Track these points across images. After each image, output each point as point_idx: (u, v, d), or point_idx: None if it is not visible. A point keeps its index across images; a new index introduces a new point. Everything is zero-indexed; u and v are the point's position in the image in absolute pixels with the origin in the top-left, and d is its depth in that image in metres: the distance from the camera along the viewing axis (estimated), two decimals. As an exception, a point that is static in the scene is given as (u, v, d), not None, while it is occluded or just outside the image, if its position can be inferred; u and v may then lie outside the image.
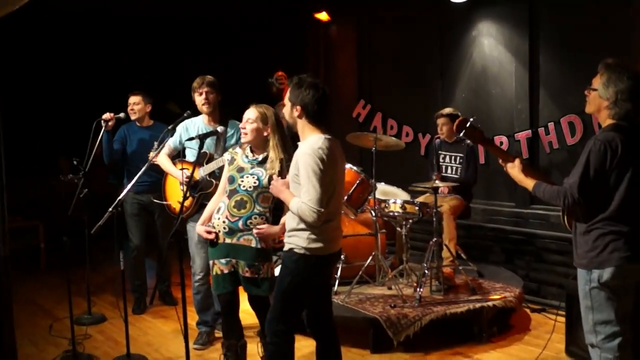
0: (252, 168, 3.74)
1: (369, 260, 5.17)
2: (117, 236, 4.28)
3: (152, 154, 5.32)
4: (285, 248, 3.36)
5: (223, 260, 3.74)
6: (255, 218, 3.69)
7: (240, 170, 3.76)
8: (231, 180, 3.77)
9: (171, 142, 4.75)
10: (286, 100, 3.39)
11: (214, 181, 4.44)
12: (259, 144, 3.77)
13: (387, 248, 6.03)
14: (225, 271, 3.73)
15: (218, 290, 3.80)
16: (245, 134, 3.76)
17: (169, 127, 4.62)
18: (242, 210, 3.69)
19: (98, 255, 7.40)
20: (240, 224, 3.69)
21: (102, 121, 5.38)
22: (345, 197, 5.18)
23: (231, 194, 3.75)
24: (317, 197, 3.13)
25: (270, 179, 3.66)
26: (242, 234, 3.69)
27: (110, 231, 4.19)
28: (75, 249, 4.77)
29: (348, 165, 5.31)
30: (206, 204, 4.70)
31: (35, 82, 8.38)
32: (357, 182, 5.24)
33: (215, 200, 3.89)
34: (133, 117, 5.68)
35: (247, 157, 3.80)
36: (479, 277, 5.58)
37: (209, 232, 3.78)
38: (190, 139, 3.98)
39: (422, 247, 6.40)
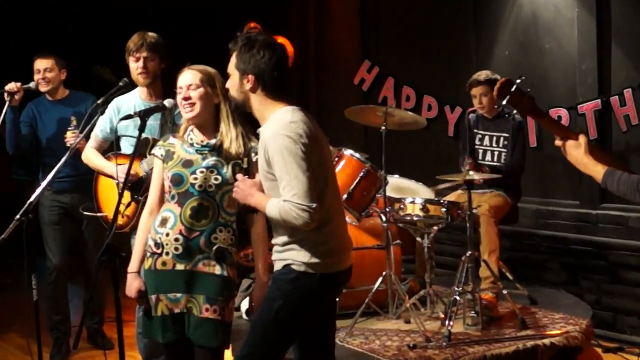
0: (204, 159, 3.66)
1: (378, 284, 5.16)
2: (28, 253, 4.24)
3: (69, 135, 5.29)
4: (277, 266, 3.33)
5: (173, 296, 3.62)
6: (221, 231, 3.62)
7: (188, 164, 3.66)
8: (178, 180, 3.64)
9: (99, 132, 4.70)
10: (231, 69, 3.36)
11: None
12: (209, 120, 3.70)
13: (404, 266, 6.03)
14: (176, 311, 3.62)
15: (165, 339, 3.66)
16: (191, 105, 3.66)
17: (99, 101, 4.59)
18: (204, 221, 3.60)
19: (2, 280, 7.37)
20: (201, 241, 3.59)
21: (5, 94, 5.34)
22: (345, 196, 5.18)
23: (182, 198, 3.63)
24: (304, 189, 3.11)
25: (235, 170, 3.63)
26: (202, 256, 3.61)
27: (19, 247, 4.16)
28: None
29: (348, 152, 5.32)
30: None
31: None
32: (361, 174, 5.23)
33: (146, 222, 3.75)
34: (44, 89, 5.65)
35: (192, 144, 3.71)
36: (530, 304, 5.59)
37: (140, 294, 3.67)
38: (127, 117, 3.96)
39: (451, 263, 6.40)
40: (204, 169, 3.63)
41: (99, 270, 3.62)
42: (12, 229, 3.98)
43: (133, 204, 4.43)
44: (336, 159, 5.27)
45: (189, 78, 3.70)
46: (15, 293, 7.11)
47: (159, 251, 3.63)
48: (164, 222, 3.65)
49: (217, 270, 3.60)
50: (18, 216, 3.99)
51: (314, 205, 3.12)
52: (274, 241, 3.37)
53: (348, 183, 5.20)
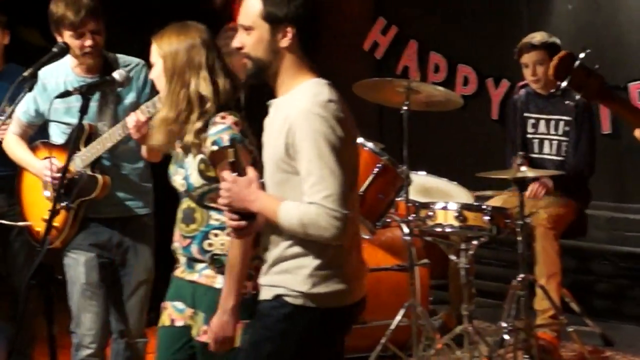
0: (186, 154, 3.81)
1: (398, 318, 5.22)
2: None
3: None
4: (266, 295, 3.33)
5: (180, 304, 3.81)
6: (217, 236, 3.73)
7: (177, 159, 3.85)
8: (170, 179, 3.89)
9: (21, 114, 4.73)
10: (252, 20, 3.26)
11: (99, 178, 4.48)
12: None
13: (433, 294, 6.09)
14: (179, 323, 3.80)
15: (162, 356, 3.84)
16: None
17: (26, 73, 4.60)
18: (192, 226, 3.77)
19: None
20: (193, 249, 3.76)
21: None
22: (354, 200, 5.23)
23: (180, 199, 3.86)
24: (341, 191, 3.08)
25: (200, 168, 3.69)
26: (202, 266, 3.76)
27: None
28: None
29: (358, 141, 5.35)
30: (93, 219, 4.68)
31: None
32: (375, 171, 5.23)
33: None
34: None
35: None
36: (604, 346, 5.62)
37: None
38: (64, 94, 3.99)
39: (497, 291, 6.46)
40: (179, 168, 3.78)
41: (27, 298, 3.66)
42: None
43: (63, 212, 4.46)
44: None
45: (152, 53, 3.80)
46: None
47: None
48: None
49: (218, 282, 3.71)
50: None
51: (347, 213, 3.09)
52: (265, 256, 3.35)
53: (359, 184, 5.22)
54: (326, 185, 3.07)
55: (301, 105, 3.13)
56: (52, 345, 3.53)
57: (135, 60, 4.59)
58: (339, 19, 8.16)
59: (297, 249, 3.23)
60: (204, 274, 3.75)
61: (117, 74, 4.14)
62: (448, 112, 5.84)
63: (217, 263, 3.72)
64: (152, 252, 4.72)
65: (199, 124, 3.66)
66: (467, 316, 5.31)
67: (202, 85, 3.67)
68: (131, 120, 4.14)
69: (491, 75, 7.21)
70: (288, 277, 3.24)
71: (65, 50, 4.57)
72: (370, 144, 5.32)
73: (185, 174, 3.72)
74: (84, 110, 3.85)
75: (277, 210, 3.14)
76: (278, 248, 3.27)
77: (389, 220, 5.53)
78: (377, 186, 5.26)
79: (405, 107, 5.36)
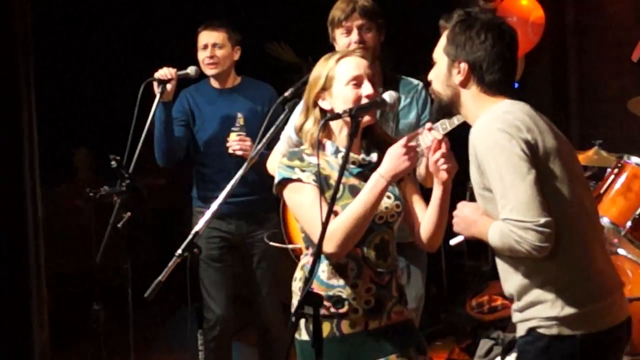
0: (366, 181, 3.75)
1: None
2: (192, 299, 4.35)
3: (233, 138, 5.44)
4: (520, 331, 3.33)
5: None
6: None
7: (355, 191, 3.76)
8: None
9: (292, 132, 4.75)
10: (438, 54, 3.42)
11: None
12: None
13: None
14: None
15: None
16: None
17: (286, 94, 4.64)
18: (389, 259, 3.80)
19: (157, 335, 7.64)
20: (393, 285, 3.81)
21: (155, 84, 5.50)
22: (629, 224, 5.13)
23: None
24: (525, 200, 3.08)
25: (400, 184, 3.74)
26: (392, 303, 3.80)
27: (181, 289, 4.28)
28: (113, 325, 4.94)
29: (634, 160, 5.21)
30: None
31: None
32: (652, 191, 5.15)
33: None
34: (211, 72, 5.78)
35: (354, 161, 3.84)
36: None
37: None
38: (333, 117, 4.05)
39: None
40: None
41: (295, 329, 3.66)
42: (173, 268, 4.09)
43: None
44: (616, 170, 5.21)
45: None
46: (174, 354, 7.27)
47: (343, 310, 3.76)
48: (340, 270, 3.78)
49: (407, 313, 3.86)
50: (180, 251, 4.08)
51: (542, 220, 3.08)
52: (507, 292, 3.37)
53: (634, 205, 5.14)
54: (508, 198, 3.11)
55: (477, 125, 3.24)
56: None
57: (414, 81, 4.64)
58: (604, 28, 8.05)
59: (533, 275, 3.23)
60: (394, 311, 3.82)
61: (387, 96, 4.10)
62: None
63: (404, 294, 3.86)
64: (424, 280, 4.74)
65: None
66: None
67: None
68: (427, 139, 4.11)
69: None
70: (538, 307, 3.24)
71: None
72: (646, 161, 5.25)
73: (392, 193, 3.77)
74: (353, 134, 3.87)
75: (487, 232, 3.21)
76: (515, 279, 3.29)
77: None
78: (655, 207, 5.17)
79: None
